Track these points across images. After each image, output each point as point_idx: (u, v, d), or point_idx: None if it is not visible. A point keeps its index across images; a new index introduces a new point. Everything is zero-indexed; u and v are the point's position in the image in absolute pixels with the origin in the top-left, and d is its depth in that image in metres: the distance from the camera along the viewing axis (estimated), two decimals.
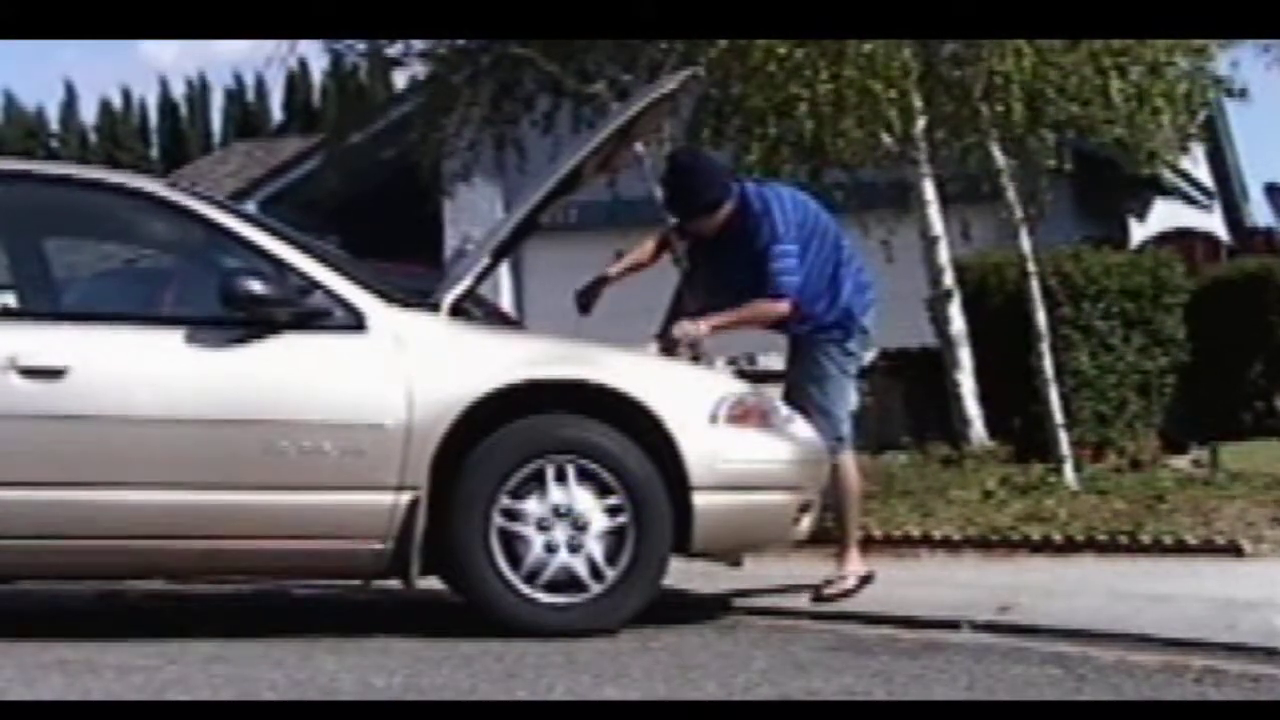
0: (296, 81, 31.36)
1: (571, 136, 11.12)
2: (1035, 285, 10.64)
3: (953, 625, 6.34)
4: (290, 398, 6.18)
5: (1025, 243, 10.66)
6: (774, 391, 7.25)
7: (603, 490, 6.16)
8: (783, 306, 7.01)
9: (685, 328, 7.02)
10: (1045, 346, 10.52)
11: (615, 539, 6.16)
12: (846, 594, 6.98)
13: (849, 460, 7.21)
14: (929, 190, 11.44)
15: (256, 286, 6.11)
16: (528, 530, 6.12)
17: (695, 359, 7.08)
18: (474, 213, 15.99)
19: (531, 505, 6.13)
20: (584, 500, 6.15)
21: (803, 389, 7.11)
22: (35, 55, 44.56)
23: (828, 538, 7.19)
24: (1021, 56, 9.96)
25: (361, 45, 12.67)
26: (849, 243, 7.33)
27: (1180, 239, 17.44)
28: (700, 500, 6.21)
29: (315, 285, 6.28)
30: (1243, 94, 11.02)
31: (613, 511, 6.16)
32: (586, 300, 7.26)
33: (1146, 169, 10.76)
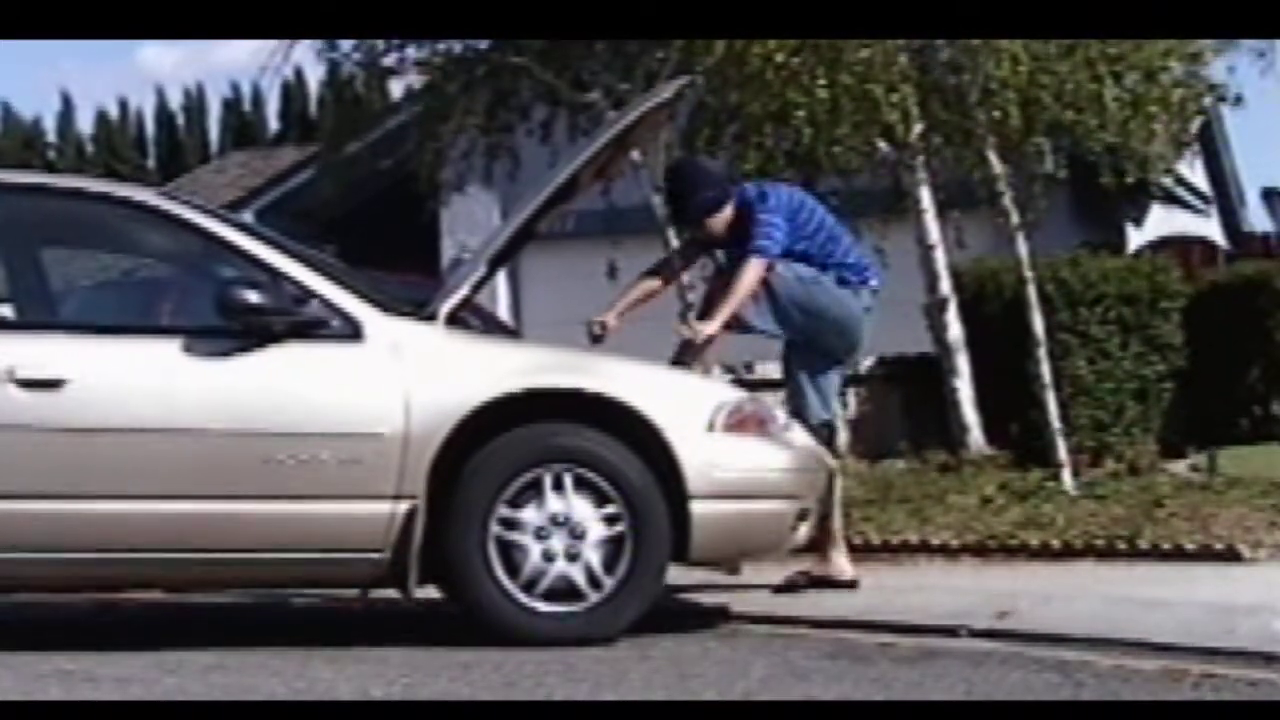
0: (293, 91, 31.31)
1: (568, 145, 11.12)
2: (1033, 291, 10.64)
3: (951, 632, 6.33)
4: (287, 407, 6.18)
5: (1022, 249, 10.66)
6: (772, 399, 7.26)
7: (600, 499, 6.16)
8: (759, 268, 7.01)
9: (696, 327, 7.04)
10: (1043, 352, 10.51)
11: (613, 547, 6.16)
12: (801, 587, 7.01)
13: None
14: (926, 197, 11.45)
15: (253, 296, 6.11)
16: (525, 539, 6.12)
17: (690, 365, 7.07)
18: (471, 222, 15.97)
19: (529, 514, 6.12)
20: (581, 509, 6.14)
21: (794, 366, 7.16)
22: (32, 65, 44.61)
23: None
24: (1017, 62, 9.96)
25: (357, 55, 12.65)
26: (849, 243, 7.33)
27: (1178, 244, 17.42)
28: (698, 508, 6.21)
29: (311, 295, 6.28)
30: (1238, 100, 11.02)
31: (610, 520, 6.16)
32: (599, 339, 7.24)
33: (1138, 175, 10.74)
